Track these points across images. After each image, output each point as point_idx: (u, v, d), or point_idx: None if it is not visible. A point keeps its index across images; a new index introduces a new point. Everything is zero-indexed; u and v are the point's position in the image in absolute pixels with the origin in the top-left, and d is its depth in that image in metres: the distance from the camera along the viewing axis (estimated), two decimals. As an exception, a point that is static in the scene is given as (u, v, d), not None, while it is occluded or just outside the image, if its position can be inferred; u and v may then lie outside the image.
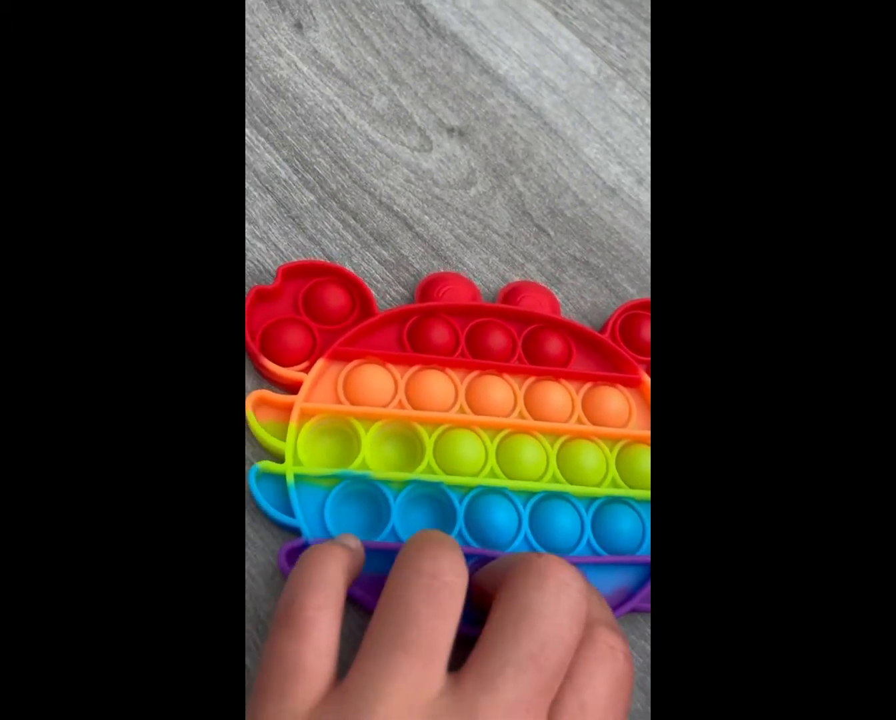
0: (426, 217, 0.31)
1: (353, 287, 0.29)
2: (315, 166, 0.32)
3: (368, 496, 0.26)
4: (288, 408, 0.26)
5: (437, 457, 0.26)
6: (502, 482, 0.26)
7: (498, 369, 0.28)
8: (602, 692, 0.19)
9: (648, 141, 0.34)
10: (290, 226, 0.30)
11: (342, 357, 0.27)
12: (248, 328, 0.27)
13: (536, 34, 0.36)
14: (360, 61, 0.34)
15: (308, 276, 0.29)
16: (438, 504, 0.26)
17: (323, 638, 0.19)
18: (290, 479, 0.25)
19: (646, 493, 0.26)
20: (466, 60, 0.35)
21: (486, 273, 0.31)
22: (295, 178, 0.31)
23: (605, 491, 0.26)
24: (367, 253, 0.30)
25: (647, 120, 0.35)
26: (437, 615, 0.18)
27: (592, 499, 0.26)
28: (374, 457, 0.26)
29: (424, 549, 0.20)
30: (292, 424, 0.26)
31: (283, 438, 0.25)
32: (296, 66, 0.34)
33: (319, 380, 0.27)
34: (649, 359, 0.29)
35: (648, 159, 0.34)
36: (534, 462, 0.27)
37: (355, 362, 0.27)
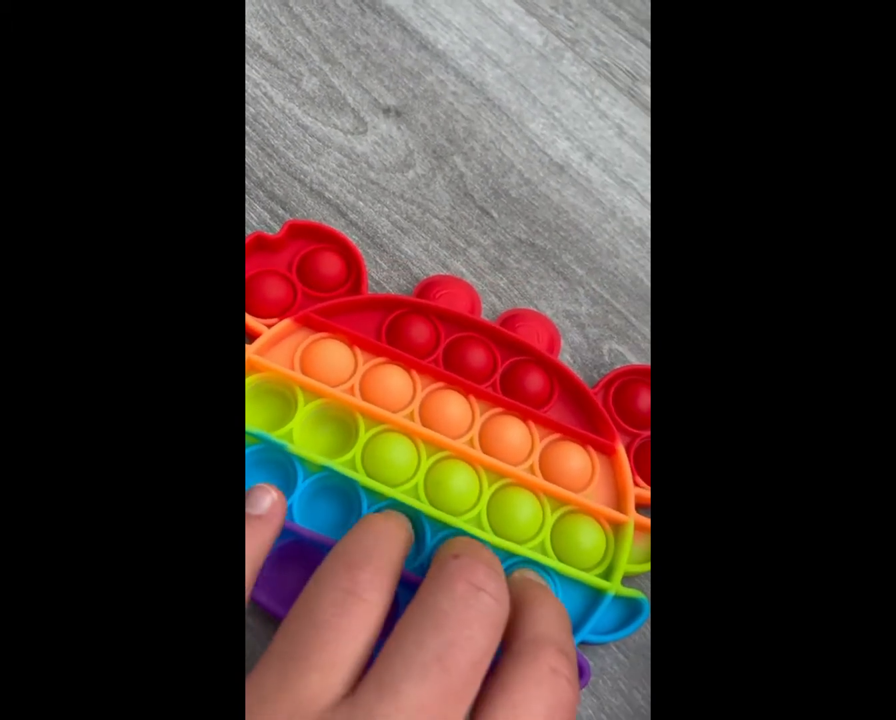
0: (360, 203, 0.30)
1: (352, 262, 0.27)
2: (241, 154, 0.30)
3: (280, 467, 0.24)
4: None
5: (364, 455, 0.24)
6: (420, 505, 0.24)
7: (465, 388, 0.26)
8: (538, 712, 0.17)
9: (597, 114, 0.33)
10: (214, 218, 0.28)
11: (312, 324, 0.26)
12: None
13: (478, 6, 0.34)
14: (290, 41, 0.32)
15: (314, 240, 0.28)
16: (346, 501, 0.24)
17: None
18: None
19: (573, 572, 0.24)
20: (403, 36, 0.33)
21: (425, 260, 0.29)
22: (220, 167, 0.29)
23: (528, 552, 0.23)
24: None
25: (597, 92, 0.33)
26: (345, 629, 0.17)
27: (509, 555, 0.24)
28: (303, 432, 0.25)
29: (343, 556, 0.18)
30: None
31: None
32: (221, 48, 0.32)
33: (281, 341, 0.26)
34: (638, 430, 0.26)
35: (597, 133, 0.32)
36: (461, 494, 0.24)
37: (323, 334, 0.26)
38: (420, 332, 0.26)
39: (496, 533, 0.24)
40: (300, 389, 0.25)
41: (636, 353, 0.28)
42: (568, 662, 0.18)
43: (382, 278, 0.29)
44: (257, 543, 0.19)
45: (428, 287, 0.28)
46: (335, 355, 0.26)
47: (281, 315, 0.26)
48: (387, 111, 0.32)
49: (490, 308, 0.29)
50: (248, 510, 0.20)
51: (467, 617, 0.17)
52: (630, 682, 0.24)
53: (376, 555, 0.19)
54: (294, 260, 0.27)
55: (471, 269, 0.29)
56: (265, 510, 0.20)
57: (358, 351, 0.26)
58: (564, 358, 0.28)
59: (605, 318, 0.29)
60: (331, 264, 0.27)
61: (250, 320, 0.26)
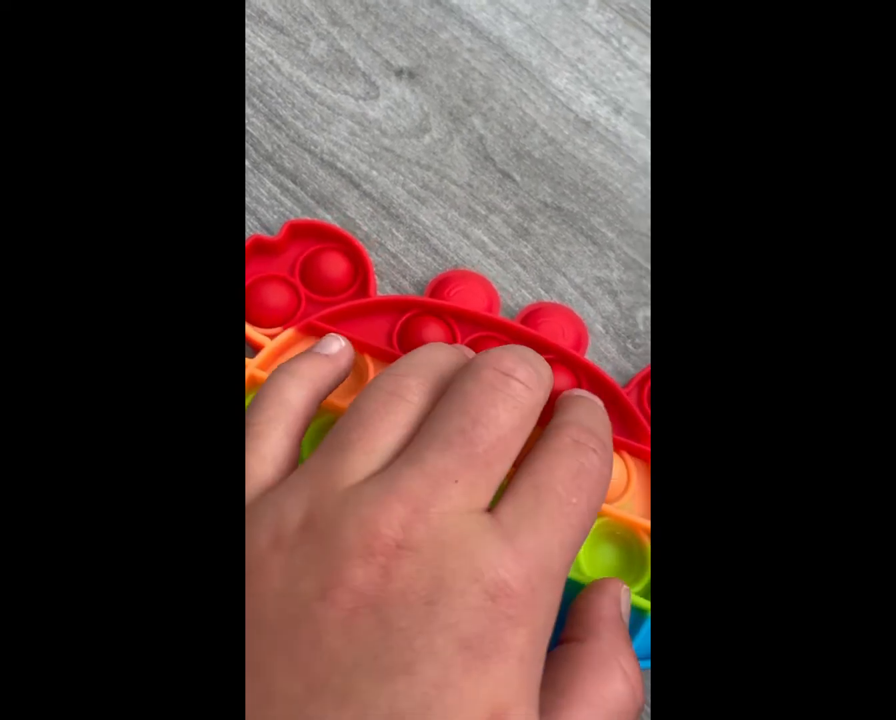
0: (374, 172, 0.28)
1: (359, 261, 0.26)
2: (247, 127, 0.28)
3: None
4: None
5: None
6: None
7: None
8: (561, 476, 0.17)
9: (626, 64, 0.30)
10: (221, 196, 0.27)
11: (317, 333, 0.24)
12: None
13: (494, -45, 0.32)
14: (295, 5, 0.30)
15: (317, 239, 0.26)
16: None
17: (267, 446, 0.18)
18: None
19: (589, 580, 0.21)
20: (415, -8, 0.31)
21: (444, 229, 0.27)
22: (226, 142, 0.28)
23: None
24: (309, 218, 0.27)
25: (624, 40, 0.31)
26: (386, 420, 0.18)
27: None
28: (311, 450, 0.23)
29: (393, 370, 0.19)
30: None
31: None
32: (224, 17, 0.30)
33: (285, 352, 0.24)
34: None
35: (626, 85, 0.30)
36: None
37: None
38: (434, 334, 0.24)
39: None
40: None
41: (673, 319, 0.27)
42: (594, 438, 0.18)
43: (399, 251, 0.27)
44: (321, 375, 0.20)
45: (441, 284, 0.26)
46: None
47: (284, 324, 0.25)
48: (399, 73, 0.30)
49: (515, 278, 0.27)
50: (316, 350, 0.21)
51: (493, 398, 0.17)
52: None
53: (423, 367, 0.19)
54: (296, 262, 0.25)
55: (493, 237, 0.27)
56: (333, 351, 0.21)
57: (369, 359, 0.24)
58: (596, 328, 0.26)
59: (638, 284, 0.27)
60: (335, 265, 0.25)
61: (251, 331, 0.24)
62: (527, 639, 0.15)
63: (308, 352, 0.21)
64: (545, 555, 0.16)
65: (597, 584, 0.20)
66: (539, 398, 0.18)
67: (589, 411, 0.19)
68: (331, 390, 0.21)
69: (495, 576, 0.15)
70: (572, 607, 0.19)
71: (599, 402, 0.21)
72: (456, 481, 0.16)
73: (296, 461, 0.19)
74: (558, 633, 0.19)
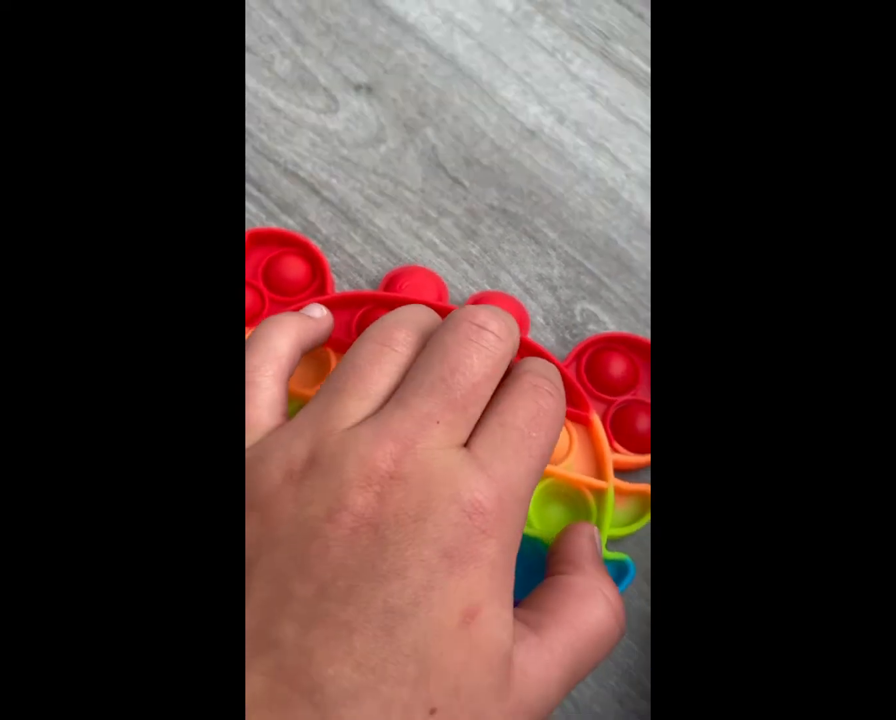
0: (333, 180, 0.30)
1: (316, 263, 0.28)
2: (217, 139, 0.31)
3: None
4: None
5: None
6: None
7: None
8: (522, 415, 0.20)
9: (569, 77, 0.33)
10: (191, 203, 0.29)
11: None
12: None
13: (448, -24, 0.34)
14: (261, 25, 0.33)
15: (277, 245, 0.28)
16: None
17: (261, 396, 0.21)
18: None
19: (549, 533, 0.24)
20: (373, 12, 0.33)
21: (398, 232, 0.30)
22: (196, 153, 0.30)
23: None
24: (273, 224, 0.29)
25: (568, 55, 0.33)
26: (377, 369, 0.20)
27: None
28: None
29: (382, 323, 0.21)
30: None
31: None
32: (196, 37, 0.32)
33: None
34: (613, 397, 0.27)
35: (569, 96, 0.32)
36: None
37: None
38: None
39: None
40: None
41: (608, 311, 0.29)
42: (550, 383, 0.21)
43: (356, 252, 0.29)
44: (304, 329, 0.23)
45: (393, 279, 0.28)
46: (308, 358, 0.26)
47: (250, 324, 0.27)
48: (358, 88, 0.32)
49: (463, 275, 0.29)
50: (303, 313, 0.24)
51: (468, 349, 0.20)
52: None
53: (409, 322, 0.21)
54: (259, 267, 0.28)
55: (443, 239, 0.30)
56: (316, 315, 0.24)
57: (331, 352, 0.27)
58: (537, 320, 0.29)
59: (577, 279, 0.29)
60: (294, 268, 0.28)
61: None
62: (497, 549, 0.18)
63: (294, 313, 0.24)
64: (512, 480, 0.19)
65: (573, 527, 0.23)
66: (509, 348, 0.21)
67: (544, 364, 0.22)
68: (314, 346, 0.24)
69: (471, 498, 0.18)
70: (553, 548, 0.22)
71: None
72: (438, 422, 0.19)
73: (286, 404, 0.21)
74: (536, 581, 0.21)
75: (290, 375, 0.22)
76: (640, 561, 0.25)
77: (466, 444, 0.19)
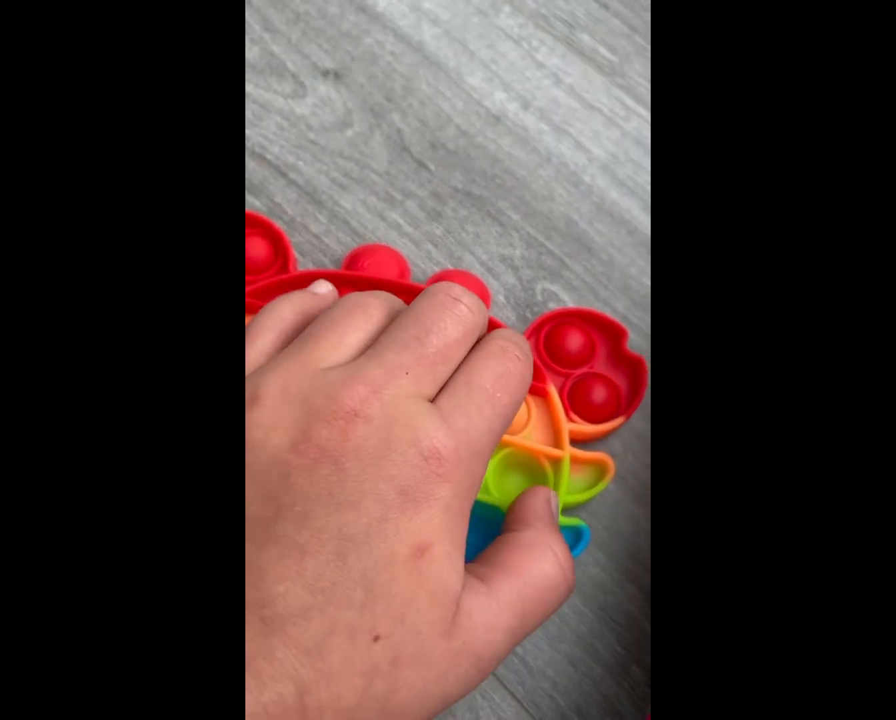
0: (300, 163, 0.31)
1: (279, 243, 0.28)
2: (185, 123, 0.31)
3: None
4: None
5: None
6: None
7: None
8: (488, 376, 0.20)
9: (534, 65, 0.33)
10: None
11: (249, 309, 0.27)
12: None
13: (416, -33, 0.35)
14: (231, 13, 0.33)
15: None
16: None
17: (261, 343, 0.22)
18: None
19: (507, 502, 0.24)
20: (342, 1, 0.34)
21: (363, 213, 0.30)
22: (165, 136, 0.31)
23: None
24: (239, 204, 0.30)
25: (534, 43, 0.34)
26: (351, 324, 0.21)
27: None
28: None
29: (357, 294, 0.22)
30: None
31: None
32: (166, 25, 0.33)
33: None
34: (570, 370, 0.27)
35: (534, 83, 0.33)
36: None
37: (252, 317, 0.27)
38: None
39: None
40: None
41: (568, 290, 0.29)
42: (517, 347, 0.22)
43: (321, 232, 0.30)
44: (311, 303, 0.24)
45: (356, 258, 0.29)
46: None
47: None
48: (325, 74, 0.33)
49: (426, 255, 0.30)
50: (310, 289, 0.25)
51: (443, 314, 0.21)
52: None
53: (381, 297, 0.22)
54: None
55: (408, 220, 0.30)
56: (322, 292, 0.25)
57: None
58: (499, 299, 0.29)
59: (538, 260, 0.30)
60: (258, 248, 0.28)
61: None
62: (451, 493, 0.19)
63: (302, 290, 0.25)
64: (472, 434, 0.19)
65: (529, 490, 0.23)
66: (479, 321, 0.22)
67: (513, 333, 0.23)
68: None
69: (430, 444, 0.19)
70: (509, 509, 0.23)
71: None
72: (407, 373, 0.19)
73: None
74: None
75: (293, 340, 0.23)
76: (595, 531, 0.26)
77: (434, 401, 0.20)
